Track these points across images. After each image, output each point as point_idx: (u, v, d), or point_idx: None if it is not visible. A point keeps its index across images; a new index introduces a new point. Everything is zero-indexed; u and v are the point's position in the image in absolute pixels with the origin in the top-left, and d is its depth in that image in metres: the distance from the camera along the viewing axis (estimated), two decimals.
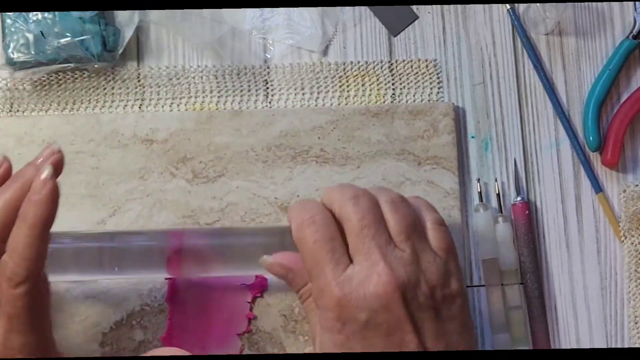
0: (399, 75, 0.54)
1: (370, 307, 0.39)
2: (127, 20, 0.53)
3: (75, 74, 0.54)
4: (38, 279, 0.39)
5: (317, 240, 0.41)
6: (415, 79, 0.54)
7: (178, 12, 0.53)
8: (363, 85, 0.54)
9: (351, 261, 0.41)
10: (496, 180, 0.53)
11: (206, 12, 0.54)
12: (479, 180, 0.53)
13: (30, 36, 0.51)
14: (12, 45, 0.51)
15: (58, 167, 0.40)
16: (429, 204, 0.45)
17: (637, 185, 0.53)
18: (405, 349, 0.39)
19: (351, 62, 0.55)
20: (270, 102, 0.54)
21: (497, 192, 0.53)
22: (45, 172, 0.39)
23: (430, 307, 0.40)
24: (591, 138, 0.53)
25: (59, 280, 0.47)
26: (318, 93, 0.54)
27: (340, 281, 0.40)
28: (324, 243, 0.41)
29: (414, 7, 0.56)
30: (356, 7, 0.55)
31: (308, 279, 0.42)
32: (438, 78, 0.55)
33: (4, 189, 0.40)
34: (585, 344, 0.51)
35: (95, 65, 0.52)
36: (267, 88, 0.54)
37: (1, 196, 0.39)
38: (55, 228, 0.48)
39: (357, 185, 0.44)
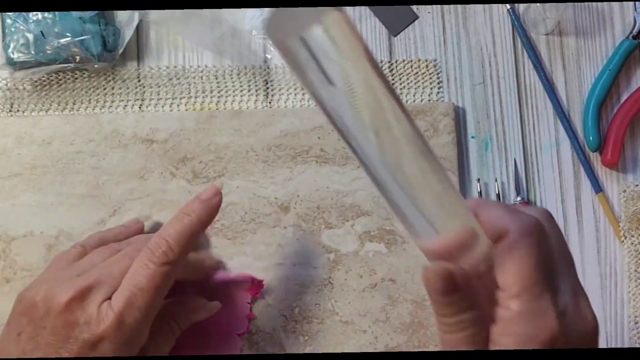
0: (399, 75, 0.54)
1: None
2: (127, 20, 0.53)
3: (76, 74, 0.54)
4: (177, 269, 0.42)
5: (546, 259, 0.32)
6: (415, 78, 0.54)
7: (178, 12, 0.53)
8: None
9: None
10: (496, 181, 0.53)
11: (206, 12, 0.54)
12: (479, 180, 0.53)
13: (30, 36, 0.51)
14: (12, 45, 0.51)
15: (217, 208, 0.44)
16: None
17: (637, 185, 0.53)
18: None
19: None
20: (270, 102, 0.54)
21: (497, 192, 0.53)
22: (218, 186, 0.44)
23: None
24: (591, 138, 0.53)
25: None
26: None
27: (559, 312, 0.32)
28: (551, 262, 0.33)
29: (414, 7, 0.56)
30: (356, 7, 0.55)
31: (474, 305, 0.32)
32: (438, 78, 0.55)
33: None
34: None
35: (96, 65, 0.52)
36: (267, 88, 0.54)
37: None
38: (54, 227, 0.48)
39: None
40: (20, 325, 0.41)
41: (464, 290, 0.31)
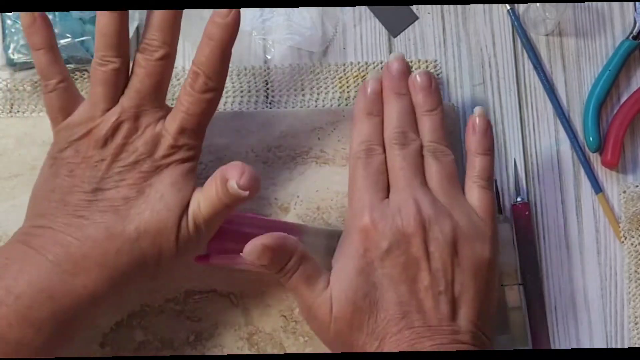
0: None
1: (392, 238, 0.43)
2: None
3: (76, 75, 0.53)
4: (220, 93, 0.45)
5: (367, 175, 0.45)
6: None
7: None
8: None
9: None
10: (496, 181, 0.53)
11: (206, 12, 0.54)
12: None
13: None
14: (12, 46, 0.51)
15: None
16: (480, 137, 0.48)
17: (637, 186, 0.53)
18: (418, 284, 0.43)
19: (351, 63, 0.55)
20: (270, 103, 0.54)
21: (497, 192, 0.53)
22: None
23: (450, 255, 0.43)
24: (591, 138, 0.53)
25: None
26: (318, 94, 0.54)
27: (373, 207, 0.44)
28: (371, 175, 0.45)
29: (414, 8, 0.56)
30: (356, 8, 0.55)
31: (291, 254, 0.43)
32: (438, 78, 0.55)
33: None
34: (585, 344, 0.52)
35: None
36: (267, 89, 0.54)
37: None
38: None
39: (411, 119, 0.48)
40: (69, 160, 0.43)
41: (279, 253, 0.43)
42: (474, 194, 0.46)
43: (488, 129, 0.48)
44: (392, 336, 0.42)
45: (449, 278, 0.43)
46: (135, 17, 0.53)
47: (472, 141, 0.48)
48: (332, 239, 0.48)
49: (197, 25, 0.54)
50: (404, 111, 0.47)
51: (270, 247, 0.42)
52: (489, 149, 0.48)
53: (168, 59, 0.44)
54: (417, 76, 0.48)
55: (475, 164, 0.47)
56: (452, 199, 0.45)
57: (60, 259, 0.40)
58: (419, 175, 0.46)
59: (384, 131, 0.47)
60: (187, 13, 0.53)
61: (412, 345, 0.41)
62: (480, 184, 0.47)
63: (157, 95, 0.44)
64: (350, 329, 0.43)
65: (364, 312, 0.42)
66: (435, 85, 0.48)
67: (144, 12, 0.53)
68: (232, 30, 0.43)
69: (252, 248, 0.42)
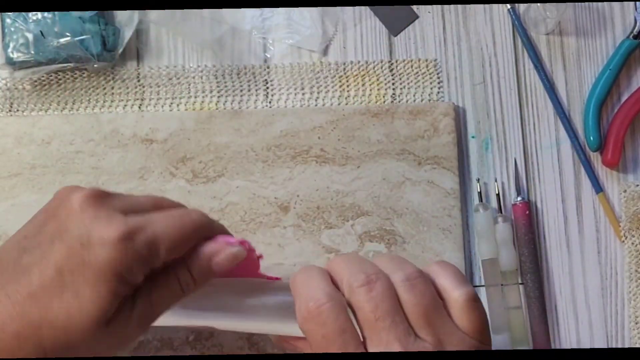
0: (399, 75, 0.54)
1: None
2: (126, 20, 0.53)
3: (75, 74, 0.54)
4: (184, 294, 0.39)
5: (326, 336, 0.35)
6: (415, 78, 0.54)
7: (178, 12, 0.53)
8: (363, 85, 0.54)
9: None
10: (496, 181, 0.53)
11: (206, 12, 0.54)
12: (478, 180, 0.53)
13: (30, 36, 0.51)
14: (11, 45, 0.51)
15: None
16: (451, 271, 0.38)
17: (637, 185, 0.53)
18: None
19: (351, 62, 0.55)
20: (270, 102, 0.54)
21: (497, 192, 0.53)
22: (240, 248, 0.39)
23: None
24: (592, 138, 0.53)
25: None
26: (318, 93, 0.54)
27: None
28: (333, 338, 0.35)
29: (414, 7, 0.55)
30: (356, 7, 0.55)
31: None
32: (438, 78, 0.55)
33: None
34: (586, 344, 0.51)
35: (95, 65, 0.52)
36: (267, 88, 0.54)
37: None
38: None
39: (368, 262, 0.38)
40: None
41: None
42: (459, 314, 0.39)
43: None
44: None
45: None
46: (135, 19, 0.53)
47: None
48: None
49: (196, 25, 0.54)
50: None
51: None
52: None
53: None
54: None
55: None
56: None
57: None
58: (400, 320, 0.38)
59: None
60: (186, 13, 0.54)
61: None
62: None
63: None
64: None
65: None
66: None
67: (144, 12, 0.53)
68: (236, 260, 0.39)
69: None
